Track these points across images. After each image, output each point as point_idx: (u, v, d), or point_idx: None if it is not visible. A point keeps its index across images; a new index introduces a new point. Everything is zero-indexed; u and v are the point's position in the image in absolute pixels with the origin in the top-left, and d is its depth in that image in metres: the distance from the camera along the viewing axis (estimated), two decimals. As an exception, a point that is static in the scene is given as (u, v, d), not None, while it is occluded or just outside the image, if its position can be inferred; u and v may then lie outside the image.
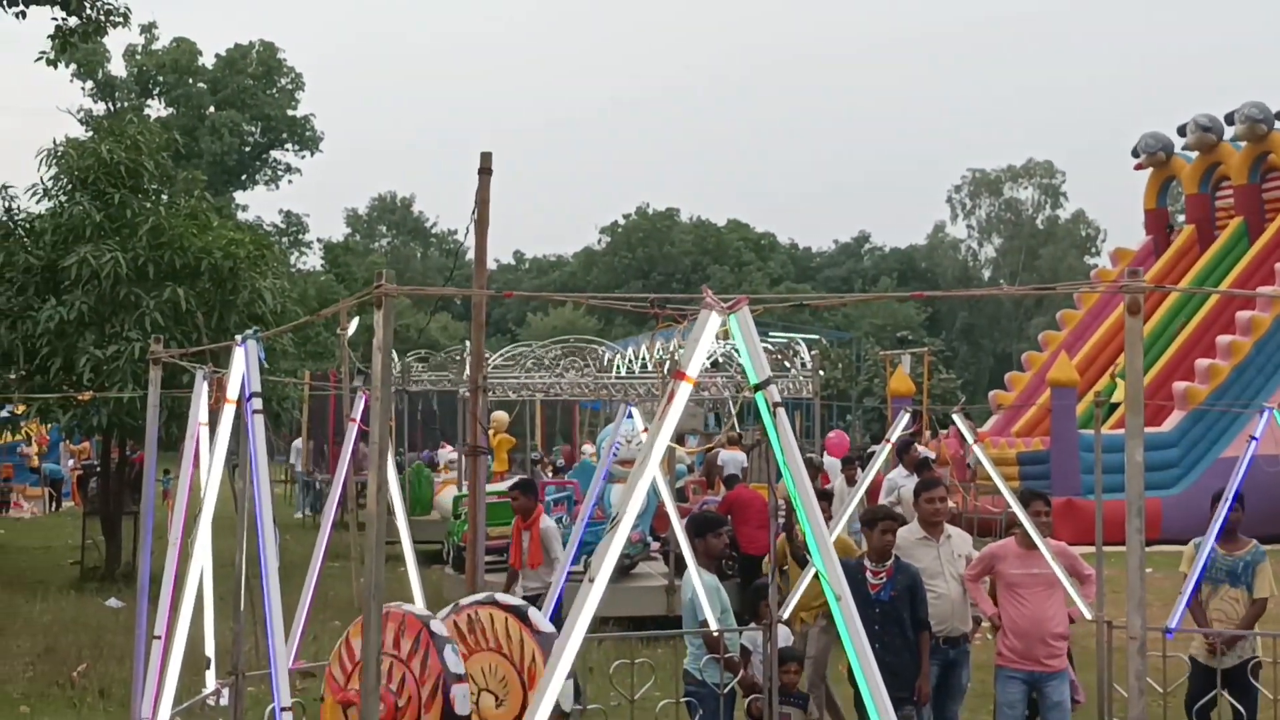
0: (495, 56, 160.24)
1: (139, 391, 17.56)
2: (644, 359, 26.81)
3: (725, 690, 9.41)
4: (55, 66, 25.30)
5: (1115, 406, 26.07)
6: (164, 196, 21.55)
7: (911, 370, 34.09)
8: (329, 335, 44.99)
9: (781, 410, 4.63)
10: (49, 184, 20.47)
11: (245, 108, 74.57)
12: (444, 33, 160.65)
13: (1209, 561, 10.13)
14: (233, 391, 6.92)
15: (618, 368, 26.07)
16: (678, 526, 10.36)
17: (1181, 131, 33.71)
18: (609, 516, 15.84)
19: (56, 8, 23.00)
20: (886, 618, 9.26)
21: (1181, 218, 36.00)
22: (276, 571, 6.46)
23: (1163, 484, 26.06)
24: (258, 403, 6.61)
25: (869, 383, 59.53)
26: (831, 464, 22.77)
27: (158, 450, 8.23)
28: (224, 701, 7.92)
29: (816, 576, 9.69)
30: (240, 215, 69.28)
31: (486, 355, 9.65)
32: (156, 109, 73.72)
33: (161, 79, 74.36)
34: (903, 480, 17.83)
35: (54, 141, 20.74)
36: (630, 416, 10.97)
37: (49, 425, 25.90)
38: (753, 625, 10.04)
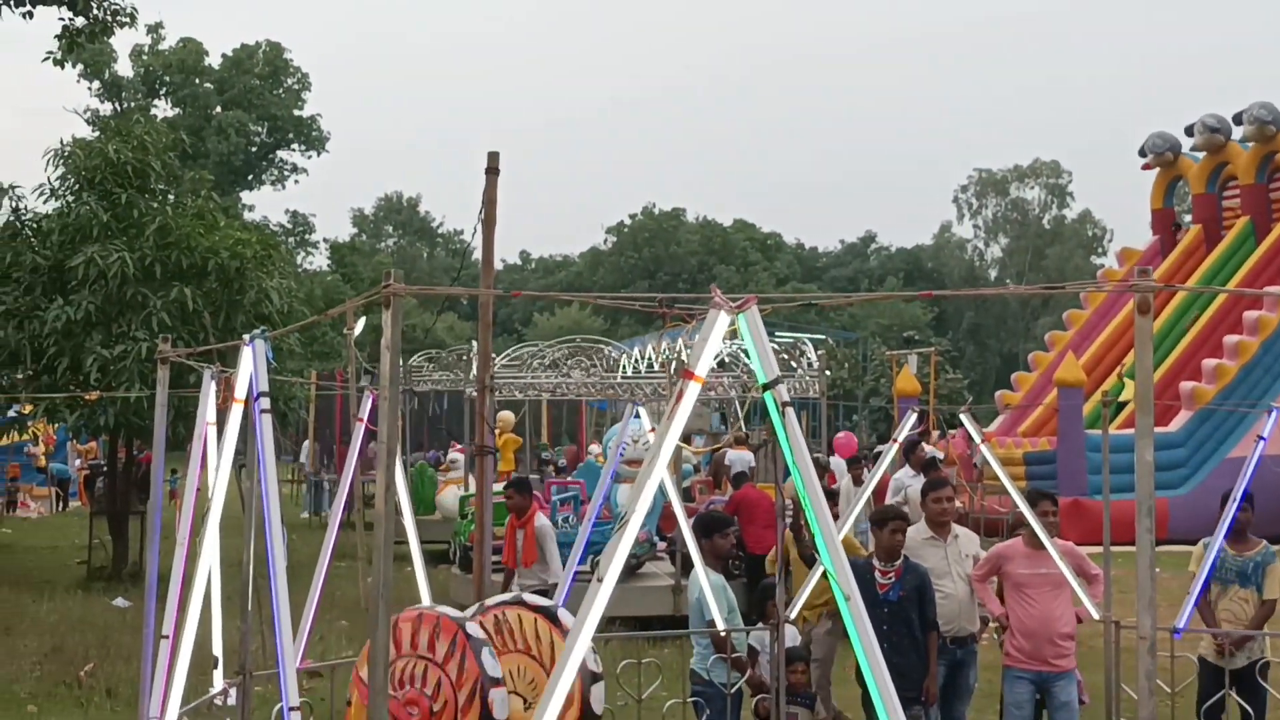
0: (501, 56, 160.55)
1: (146, 391, 17.59)
2: (650, 359, 26.81)
3: (732, 690, 9.41)
4: (62, 66, 25.38)
5: (1122, 406, 26.02)
6: (171, 196, 21.59)
7: (918, 370, 34.11)
8: (335, 335, 44.97)
9: (790, 410, 4.62)
10: (56, 184, 20.52)
11: (251, 108, 74.64)
12: (448, 33, 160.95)
13: (1218, 561, 10.11)
14: (241, 391, 6.92)
15: (624, 368, 26.08)
16: (685, 526, 10.35)
17: (1189, 131, 33.67)
18: (616, 516, 15.84)
19: (63, 8, 23.06)
20: (894, 618, 9.24)
21: (1188, 218, 35.94)
22: (285, 571, 6.45)
23: (1170, 484, 26.02)
24: (265, 402, 6.61)
25: (875, 383, 59.51)
26: (838, 464, 22.75)
27: (165, 450, 8.23)
28: (231, 701, 7.91)
29: (821, 576, 9.75)
30: (247, 215, 69.28)
31: (493, 355, 9.63)
32: (163, 109, 73.83)
33: (168, 79, 74.41)
34: (909, 480, 17.81)
35: (61, 141, 20.81)
36: (637, 416, 10.95)
37: (56, 425, 25.92)
38: (760, 625, 10.03)
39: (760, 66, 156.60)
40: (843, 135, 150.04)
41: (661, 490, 11.46)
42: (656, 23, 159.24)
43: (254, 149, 76.20)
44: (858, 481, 18.74)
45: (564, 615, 7.05)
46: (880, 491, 16.74)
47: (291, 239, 73.67)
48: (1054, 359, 32.43)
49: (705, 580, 9.51)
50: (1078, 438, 26.85)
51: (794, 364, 23.33)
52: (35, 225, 20.39)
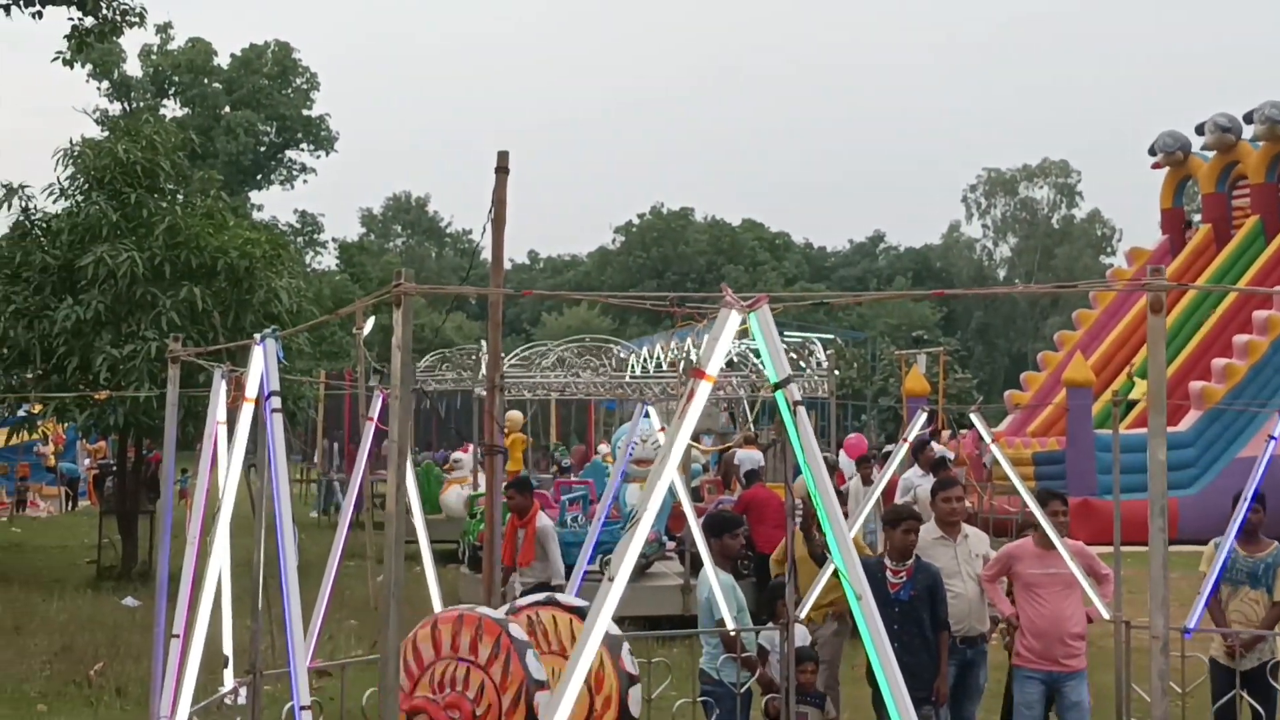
0: (510, 57, 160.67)
1: (155, 391, 17.60)
2: (659, 358, 26.80)
3: (742, 689, 9.40)
4: (71, 66, 25.44)
5: (1132, 406, 26.00)
6: (180, 196, 21.58)
7: (927, 370, 34.07)
8: (344, 335, 45.07)
9: (802, 409, 4.61)
10: (66, 184, 20.52)
11: (260, 108, 74.75)
12: (457, 33, 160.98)
13: (1228, 562, 10.09)
14: (251, 390, 6.92)
15: (632, 367, 26.07)
16: (694, 526, 10.35)
17: (1199, 130, 33.62)
18: (624, 516, 15.84)
19: (73, 8, 23.12)
20: (905, 617, 9.22)
21: (1198, 217, 35.88)
22: (296, 570, 6.44)
23: (1179, 484, 25.97)
24: (276, 401, 6.60)
25: (884, 382, 59.47)
26: (846, 463, 22.75)
27: (175, 449, 8.24)
28: (241, 700, 7.91)
29: (831, 576, 9.74)
30: (256, 215, 69.44)
31: (502, 354, 9.63)
32: (172, 109, 73.97)
33: (177, 79, 74.57)
34: (918, 480, 17.80)
35: (70, 141, 20.80)
36: (647, 416, 10.94)
37: (65, 425, 25.93)
38: (770, 625, 10.02)
39: (768, 66, 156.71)
40: (851, 135, 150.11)
41: (670, 490, 11.47)
42: (665, 23, 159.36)
43: (263, 149, 76.31)
44: (866, 481, 18.77)
45: None
46: (889, 491, 16.74)
47: (300, 239, 73.84)
48: (1063, 359, 32.39)
49: (715, 580, 9.50)
50: (1087, 437, 26.83)
51: (803, 364, 23.31)
52: (45, 225, 20.39)
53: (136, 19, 23.49)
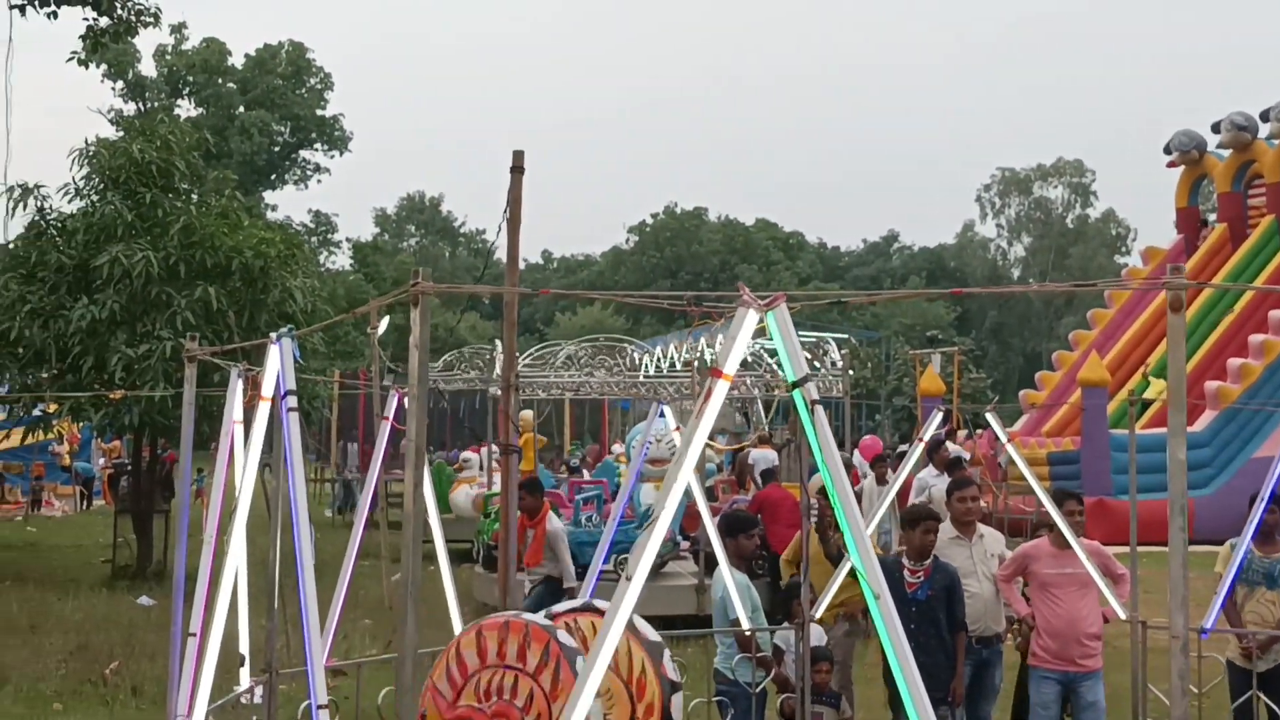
0: (524, 57, 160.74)
1: (170, 390, 17.63)
2: (673, 358, 26.84)
3: (758, 689, 9.39)
4: (86, 66, 25.47)
5: (1147, 405, 25.93)
6: (195, 196, 21.62)
7: (941, 369, 34.00)
8: (358, 334, 45.11)
9: (819, 408, 4.60)
10: (81, 183, 20.57)
11: (275, 108, 74.94)
12: (470, 33, 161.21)
13: (1244, 563, 10.04)
14: (268, 389, 6.92)
15: (646, 367, 26.10)
16: (709, 525, 10.34)
17: (1215, 129, 33.49)
18: (639, 515, 15.83)
19: (88, 8, 23.15)
20: (922, 617, 9.20)
21: (1213, 216, 35.77)
22: (313, 569, 6.44)
23: (1195, 484, 25.87)
24: (293, 400, 6.61)
25: (898, 382, 59.44)
26: (861, 462, 22.74)
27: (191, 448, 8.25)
28: (257, 699, 7.91)
29: (847, 575, 9.73)
30: (270, 215, 69.59)
31: (517, 354, 9.64)
32: (186, 109, 74.16)
33: (191, 79, 74.79)
34: (933, 479, 17.78)
35: (86, 141, 20.85)
36: (662, 415, 10.93)
37: (81, 424, 26.00)
38: (785, 624, 10.01)
39: (782, 66, 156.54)
40: (865, 135, 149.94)
41: (686, 490, 11.45)
42: (678, 23, 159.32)
43: (277, 149, 76.51)
44: (881, 481, 18.74)
45: (640, 624, 6.78)
46: (903, 492, 16.71)
47: (314, 238, 73.93)
48: (1078, 358, 32.31)
49: (730, 579, 9.49)
50: (1102, 437, 26.76)
51: (817, 363, 23.32)
52: (60, 225, 20.43)
53: (151, 19, 23.52)
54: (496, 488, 19.69)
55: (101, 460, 38.29)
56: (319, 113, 77.00)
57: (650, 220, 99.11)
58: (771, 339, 4.74)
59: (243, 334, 17.19)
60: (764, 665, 9.49)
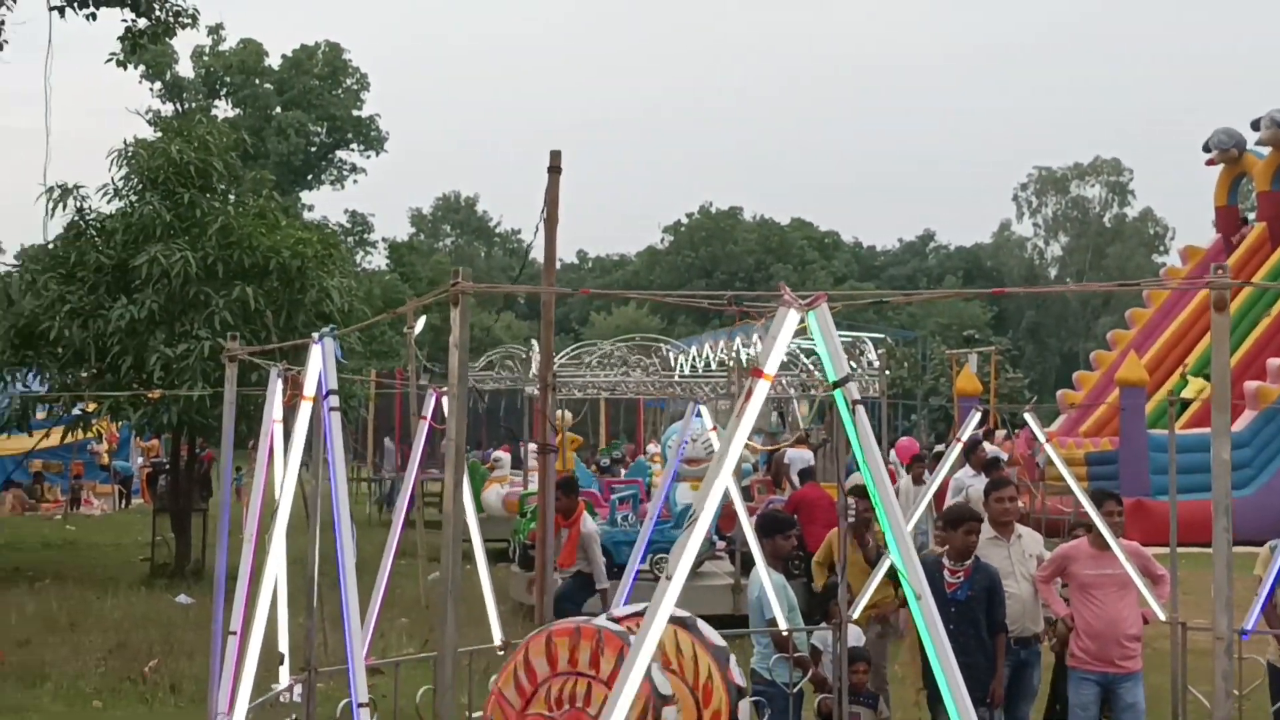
0: (558, 55, 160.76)
1: (208, 390, 17.72)
2: (708, 358, 26.81)
3: (795, 689, 9.37)
4: (125, 68, 25.63)
5: (1186, 405, 25.78)
6: (232, 196, 21.73)
7: (978, 369, 33.90)
8: (394, 334, 45.19)
9: (861, 407, 4.59)
10: (120, 184, 20.68)
11: (311, 108, 75.21)
12: (503, 33, 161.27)
13: (1286, 564, 9.97)
14: (310, 388, 6.94)
15: (681, 366, 26.09)
16: (746, 525, 10.32)
17: (1255, 126, 33.25)
18: (675, 515, 15.83)
19: (126, 9, 23.28)
20: (961, 618, 9.15)
21: (1252, 215, 35.52)
22: (354, 568, 6.45)
23: (1235, 484, 25.47)
24: (335, 399, 6.63)
25: (935, 382, 59.23)
26: (896, 463, 22.67)
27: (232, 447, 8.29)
28: (296, 697, 7.94)
29: (886, 575, 9.71)
30: (306, 215, 69.84)
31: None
32: (223, 109, 74.49)
33: (228, 80, 75.15)
34: (970, 480, 17.70)
35: (124, 142, 20.97)
36: (699, 415, 10.91)
37: (119, 423, 26.16)
38: (822, 624, 9.99)
39: (817, 64, 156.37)
40: (900, 132, 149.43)
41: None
42: (715, 21, 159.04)
43: (313, 149, 76.76)
44: (918, 481, 18.67)
45: (704, 628, 6.69)
46: (941, 492, 16.65)
47: (350, 238, 74.15)
48: (1116, 358, 32.14)
49: (766, 579, 9.48)
50: (1140, 438, 26.61)
51: (853, 363, 23.26)
52: (99, 225, 20.56)
53: (189, 20, 23.66)
54: (532, 487, 19.76)
55: (140, 459, 38.52)
56: (355, 113, 77.24)
57: (685, 220, 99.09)
58: (810, 339, 4.72)
59: (280, 334, 17.27)
60: (801, 665, 9.47)
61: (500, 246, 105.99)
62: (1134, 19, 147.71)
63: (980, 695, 9.11)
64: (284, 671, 8.07)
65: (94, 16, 23.23)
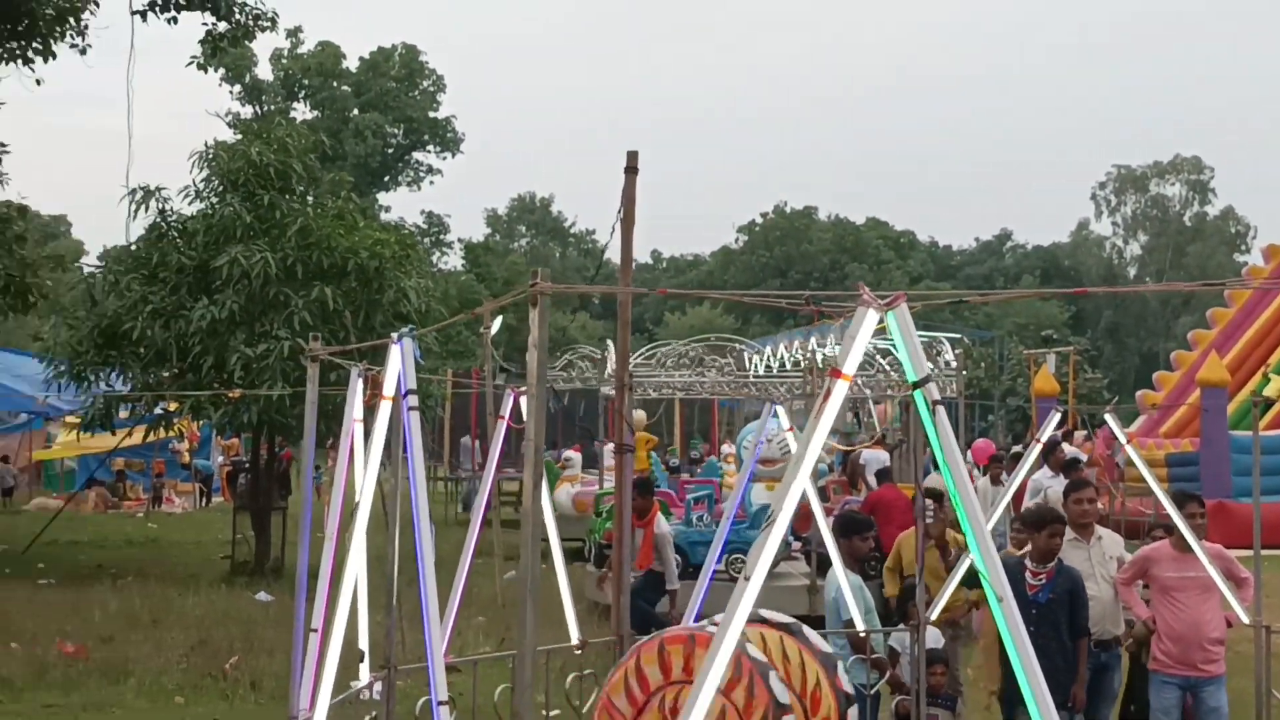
0: (634, 57, 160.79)
1: (288, 389, 17.88)
2: (782, 358, 26.75)
3: (871, 691, 9.33)
4: (205, 71, 25.95)
5: (1269, 405, 25.42)
6: (311, 197, 21.89)
7: (1056, 370, 33.60)
8: (470, 334, 45.43)
9: (941, 408, 4.57)
10: (200, 186, 20.88)
11: (388, 110, 75.75)
12: (579, 34, 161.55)
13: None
14: (389, 388, 6.99)
15: (755, 366, 26.04)
16: (823, 526, 10.30)
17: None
18: (750, 516, 15.80)
19: (206, 13, 23.57)
20: (1042, 620, 9.06)
21: (1337, 213, 35.02)
22: (433, 567, 6.49)
23: (1319, 486, 25.35)
24: (414, 399, 6.67)
25: (1012, 382, 58.79)
26: (973, 464, 22.53)
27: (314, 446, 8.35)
28: (376, 695, 8.00)
29: (967, 578, 9.64)
30: (384, 216, 70.32)
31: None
32: (302, 112, 75.13)
33: (307, 82, 75.81)
34: (1048, 481, 17.54)
35: (205, 144, 21.17)
36: (775, 415, 10.90)
37: (200, 422, 26.45)
38: (900, 626, 9.96)
39: (898, 63, 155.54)
40: (976, 131, 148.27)
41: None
42: (790, 22, 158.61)
43: (390, 150, 77.28)
44: (995, 482, 18.55)
45: (811, 634, 6.60)
46: (1019, 493, 16.52)
47: (427, 239, 74.55)
48: (1197, 358, 31.73)
49: (844, 580, 9.45)
50: (1222, 439, 26.27)
51: (930, 363, 23.14)
52: (181, 226, 20.76)
53: (268, 23, 23.93)
54: (607, 486, 19.80)
55: (220, 458, 38.91)
56: (431, 115, 77.71)
57: (760, 220, 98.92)
58: (887, 339, 4.71)
59: (358, 334, 17.40)
60: (878, 667, 9.44)
61: (575, 247, 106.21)
62: (1215, 16, 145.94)
63: (1061, 699, 9.03)
64: (364, 669, 8.13)
65: (175, 20, 23.55)
